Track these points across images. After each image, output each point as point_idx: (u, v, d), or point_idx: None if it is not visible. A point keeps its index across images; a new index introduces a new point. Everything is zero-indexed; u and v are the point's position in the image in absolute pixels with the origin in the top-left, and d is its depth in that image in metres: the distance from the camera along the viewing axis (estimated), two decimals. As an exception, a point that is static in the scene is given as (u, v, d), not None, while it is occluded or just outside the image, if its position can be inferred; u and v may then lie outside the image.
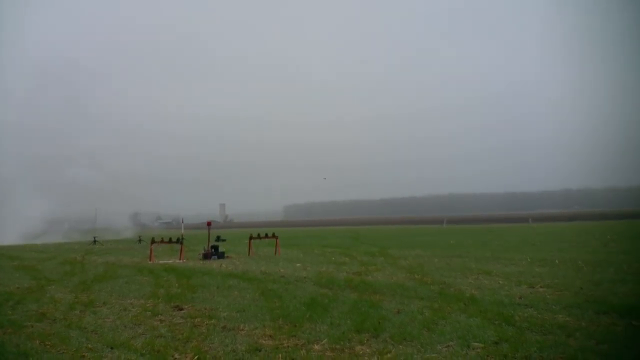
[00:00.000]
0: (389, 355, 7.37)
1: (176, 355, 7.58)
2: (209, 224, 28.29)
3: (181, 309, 11.28)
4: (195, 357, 7.42)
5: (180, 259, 24.82)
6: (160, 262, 23.80)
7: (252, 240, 28.10)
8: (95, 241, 47.81)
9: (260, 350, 7.74)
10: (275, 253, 26.74)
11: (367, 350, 7.65)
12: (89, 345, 8.19)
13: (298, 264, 20.67)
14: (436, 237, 45.80)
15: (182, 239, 27.66)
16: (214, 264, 22.33)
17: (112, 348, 8.03)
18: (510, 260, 20.06)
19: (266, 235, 28.87)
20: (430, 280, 14.85)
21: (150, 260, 24.37)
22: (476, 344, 7.80)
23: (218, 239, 38.46)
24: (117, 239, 59.75)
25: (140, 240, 46.35)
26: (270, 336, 8.56)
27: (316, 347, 7.87)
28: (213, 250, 25.50)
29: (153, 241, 26.70)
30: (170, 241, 27.47)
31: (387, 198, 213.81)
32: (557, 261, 19.12)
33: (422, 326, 8.98)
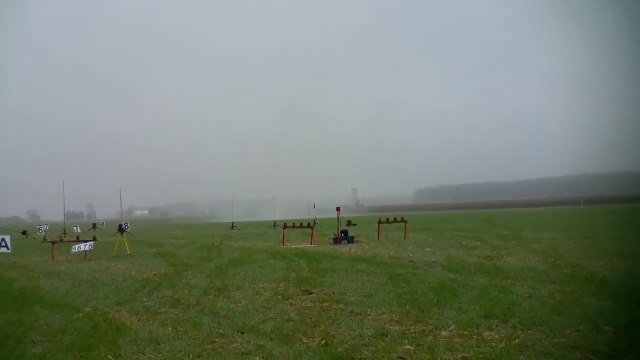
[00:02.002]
0: (517, 341, 7.16)
1: (304, 340, 7.74)
2: (338, 209, 28.62)
3: (311, 293, 11.51)
4: (323, 342, 7.54)
5: (311, 244, 25.32)
6: (293, 246, 24.41)
7: (381, 225, 28.14)
8: (233, 227, 49.80)
9: (387, 336, 7.75)
10: (405, 237, 26.63)
11: (496, 336, 7.46)
12: (220, 331, 8.48)
13: (427, 249, 20.49)
14: (572, 218, 43.80)
15: (314, 223, 28.16)
16: (344, 248, 22.60)
17: (242, 333, 8.29)
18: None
19: (395, 219, 28.84)
20: (563, 264, 14.31)
21: (283, 245, 25.05)
22: (607, 328, 7.41)
23: (349, 223, 38.78)
24: (254, 221, 61.89)
25: (275, 226, 47.77)
26: (397, 322, 8.55)
27: (444, 333, 7.78)
28: (343, 234, 25.79)
29: (285, 226, 27.42)
30: (301, 226, 28.09)
31: (522, 180, 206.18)
32: None
33: (552, 311, 8.67)
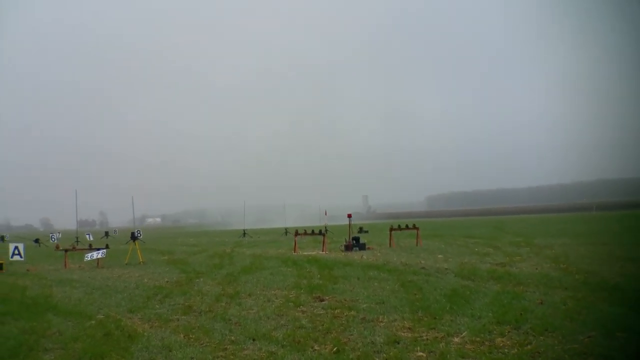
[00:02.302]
0: (529, 347, 7.13)
1: (315, 347, 7.74)
2: (349, 216, 28.62)
3: (322, 300, 11.51)
4: (334, 349, 7.53)
5: (322, 251, 25.31)
6: (304, 253, 24.42)
7: (393, 232, 28.10)
8: (244, 234, 49.91)
9: (399, 343, 7.74)
10: (417, 244, 26.58)
11: (508, 342, 7.43)
12: (232, 338, 8.50)
13: (439, 255, 20.44)
14: (584, 224, 43.57)
15: (326, 230, 28.18)
16: (355, 255, 22.59)
17: (253, 340, 8.30)
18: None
19: (407, 226, 28.80)
20: (575, 270, 14.25)
21: (294, 252, 25.08)
22: (619, 334, 7.36)
23: (360, 230, 38.84)
24: (265, 228, 61.99)
25: (286, 233, 47.84)
26: (409, 328, 8.53)
27: (456, 339, 7.75)
28: (354, 241, 25.78)
29: (297, 233, 27.45)
30: (313, 233, 28.11)
31: (534, 186, 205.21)
32: None
33: (564, 316, 8.63)
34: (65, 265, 23.55)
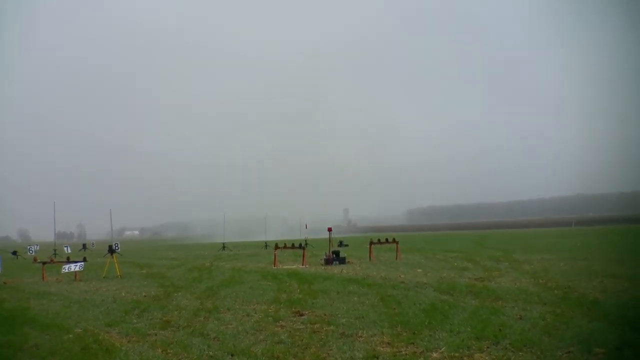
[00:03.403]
0: (508, 363, 7.18)
1: (295, 362, 7.73)
2: (329, 229, 28.63)
3: (302, 315, 11.49)
4: (314, 364, 7.53)
5: (303, 264, 25.28)
6: (284, 267, 24.37)
7: (372, 246, 28.14)
8: (224, 247, 49.68)
9: (377, 358, 7.75)
10: (397, 258, 26.64)
11: (487, 357, 7.48)
12: (210, 353, 8.45)
13: (419, 270, 20.49)
14: (563, 239, 43.95)
15: (306, 244, 28.14)
16: (335, 269, 22.58)
17: (232, 355, 8.26)
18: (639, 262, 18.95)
19: (387, 240, 28.88)
20: (554, 285, 14.37)
21: (274, 266, 25.00)
22: (598, 349, 7.44)
23: (340, 244, 38.80)
24: (245, 241, 61.81)
25: (266, 246, 47.71)
26: (388, 343, 8.55)
27: (434, 355, 7.78)
28: (334, 255, 25.78)
29: (277, 247, 27.39)
30: (293, 246, 28.07)
31: (513, 201, 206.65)
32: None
33: (543, 332, 8.70)
34: (43, 277, 23.30)
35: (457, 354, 7.73)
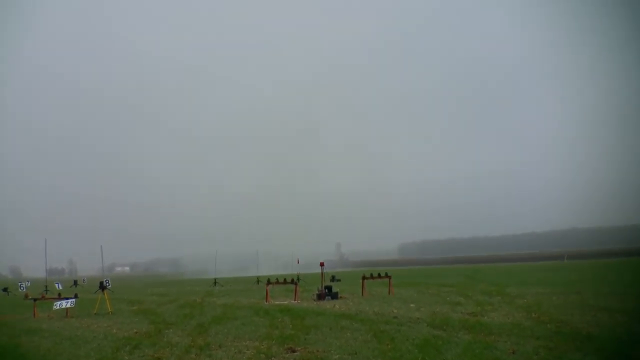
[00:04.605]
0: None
1: (288, 398, 7.70)
2: (321, 264, 28.57)
3: (294, 351, 11.44)
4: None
5: (295, 300, 25.17)
6: (276, 302, 24.25)
7: (365, 280, 28.06)
8: (215, 283, 49.39)
9: (370, 394, 7.74)
10: (389, 293, 26.57)
11: (480, 394, 7.48)
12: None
13: (412, 304, 20.45)
14: (556, 273, 43.97)
15: (298, 279, 28.03)
16: (328, 304, 22.50)
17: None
18: (633, 296, 18.97)
19: (379, 275, 28.82)
20: (547, 319, 14.38)
21: (266, 301, 24.88)
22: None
23: (333, 279, 38.63)
24: (237, 277, 61.44)
25: (258, 281, 47.47)
26: (381, 379, 8.54)
27: (427, 390, 7.78)
28: (327, 290, 25.69)
29: (269, 282, 27.28)
30: (285, 282, 27.96)
31: (507, 235, 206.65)
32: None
33: (536, 367, 8.71)
34: (34, 314, 23.14)
35: (450, 390, 7.74)
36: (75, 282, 62.87)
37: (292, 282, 26.96)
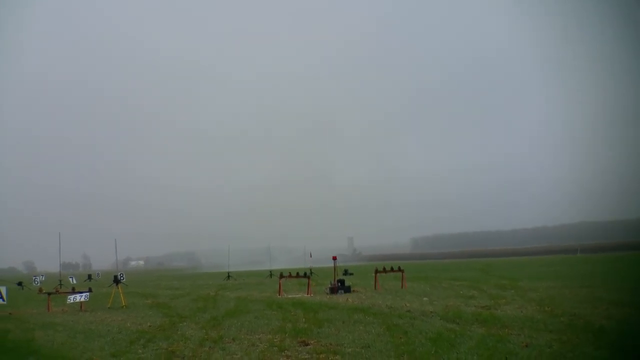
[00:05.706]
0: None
1: (301, 391, 7.71)
2: (334, 258, 28.58)
3: (307, 344, 11.45)
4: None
5: (308, 293, 25.19)
6: (289, 296, 24.29)
7: (378, 274, 28.05)
8: (229, 277, 49.54)
9: (383, 387, 7.73)
10: (402, 286, 26.54)
11: (493, 387, 7.46)
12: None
13: (425, 298, 20.42)
14: (569, 267, 43.76)
15: (311, 273, 28.04)
16: (340, 298, 22.51)
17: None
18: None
19: (392, 268, 28.80)
20: (560, 312, 14.30)
21: (279, 295, 24.93)
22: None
23: (345, 272, 38.68)
24: (250, 270, 61.66)
25: (271, 275, 47.57)
26: (394, 372, 8.52)
27: (441, 384, 7.76)
28: (339, 284, 25.70)
29: (282, 276, 27.32)
30: (297, 275, 27.99)
31: (519, 229, 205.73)
32: None
33: (550, 359, 8.65)
34: (48, 308, 23.27)
35: (463, 383, 7.71)
36: (90, 277, 63.25)
37: (305, 275, 27.00)
